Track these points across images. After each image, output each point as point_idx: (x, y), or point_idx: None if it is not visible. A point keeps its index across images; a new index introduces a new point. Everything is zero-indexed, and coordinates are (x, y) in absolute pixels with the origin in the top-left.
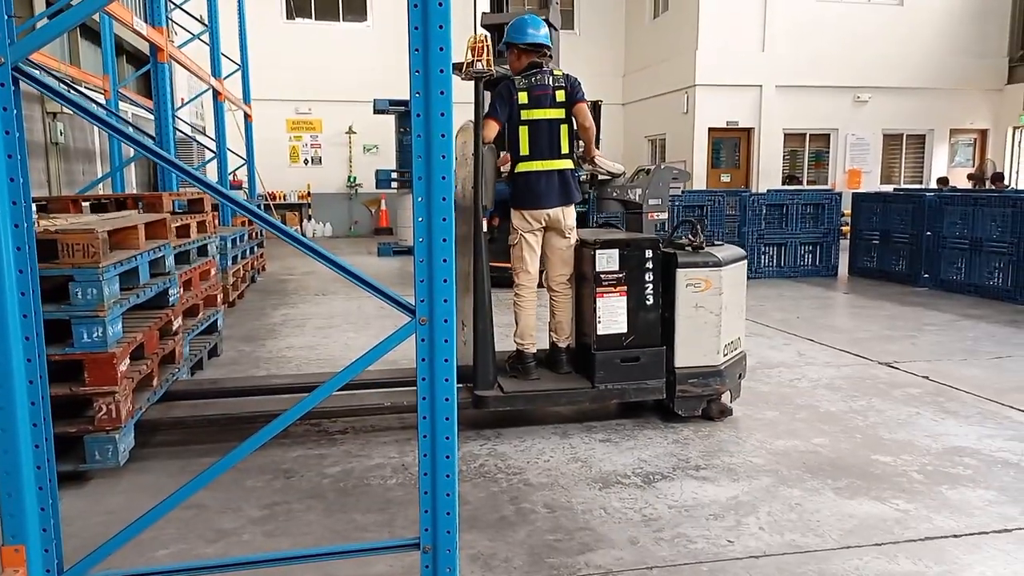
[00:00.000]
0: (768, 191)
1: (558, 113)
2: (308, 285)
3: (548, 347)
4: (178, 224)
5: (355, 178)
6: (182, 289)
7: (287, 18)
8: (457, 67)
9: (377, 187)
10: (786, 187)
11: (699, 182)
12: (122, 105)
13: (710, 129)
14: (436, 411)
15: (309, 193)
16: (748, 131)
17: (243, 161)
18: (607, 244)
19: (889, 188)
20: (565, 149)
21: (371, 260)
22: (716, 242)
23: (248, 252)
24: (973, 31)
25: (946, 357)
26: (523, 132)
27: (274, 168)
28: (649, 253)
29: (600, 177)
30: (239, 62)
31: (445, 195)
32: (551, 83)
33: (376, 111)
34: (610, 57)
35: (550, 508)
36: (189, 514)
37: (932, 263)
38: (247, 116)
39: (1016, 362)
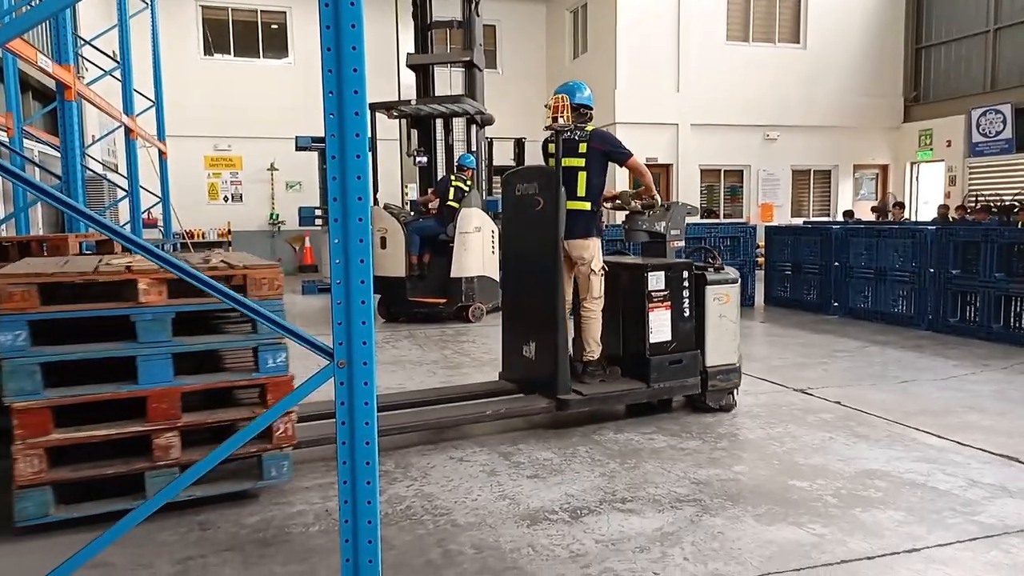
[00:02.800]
0: (688, 225)
1: (579, 162)
2: None
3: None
4: None
5: (278, 215)
6: None
7: (205, 54)
8: (385, 106)
9: (300, 224)
10: (704, 220)
11: (620, 215)
12: (28, 143)
13: None
14: (356, 455)
15: (229, 231)
16: (667, 167)
17: (158, 199)
18: (656, 268)
19: (799, 221)
20: (581, 192)
21: (295, 298)
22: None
23: None
24: (871, 73)
25: (856, 382)
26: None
27: (192, 206)
28: (686, 274)
29: (628, 212)
30: (154, 98)
31: (362, 237)
32: (578, 137)
33: (298, 148)
34: (533, 95)
35: (478, 549)
36: (95, 574)
37: (841, 292)
38: (161, 153)
39: (920, 386)
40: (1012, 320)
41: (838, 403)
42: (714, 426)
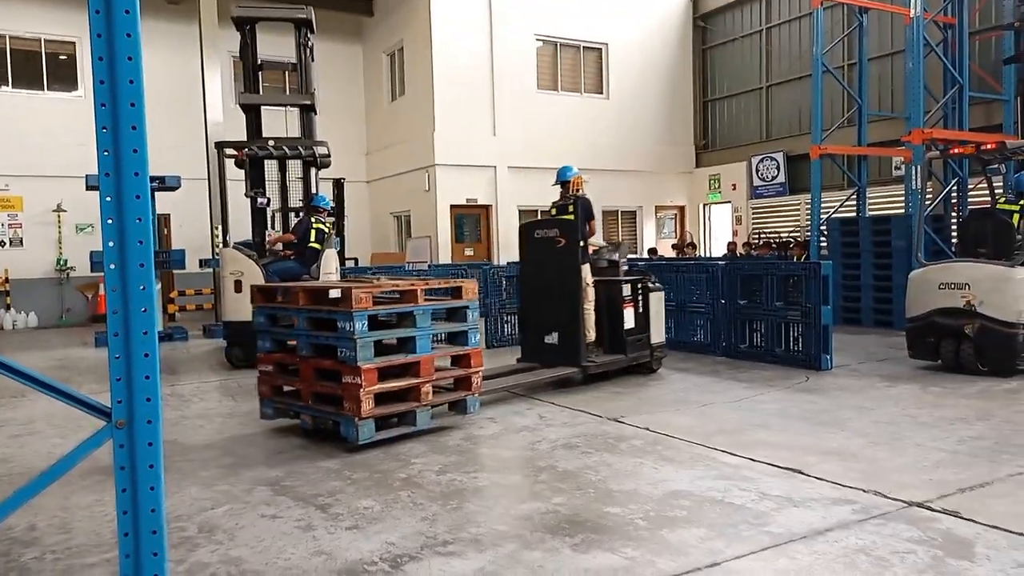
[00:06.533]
0: (508, 264)
1: (571, 216)
2: (1, 385)
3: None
4: None
5: (66, 261)
6: None
7: None
8: (234, 145)
9: (92, 270)
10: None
11: (444, 255)
12: None
13: (452, 206)
14: (140, 524)
15: (7, 279)
16: (487, 208)
17: None
18: (626, 282)
19: None
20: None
21: (86, 352)
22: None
23: None
24: (667, 123)
25: (662, 408)
26: None
27: None
28: (640, 286)
29: (595, 248)
30: None
31: (144, 284)
32: (568, 201)
33: (89, 187)
34: (353, 136)
35: None
36: None
37: None
38: None
39: (717, 408)
40: (791, 344)
41: (647, 429)
42: (534, 459)
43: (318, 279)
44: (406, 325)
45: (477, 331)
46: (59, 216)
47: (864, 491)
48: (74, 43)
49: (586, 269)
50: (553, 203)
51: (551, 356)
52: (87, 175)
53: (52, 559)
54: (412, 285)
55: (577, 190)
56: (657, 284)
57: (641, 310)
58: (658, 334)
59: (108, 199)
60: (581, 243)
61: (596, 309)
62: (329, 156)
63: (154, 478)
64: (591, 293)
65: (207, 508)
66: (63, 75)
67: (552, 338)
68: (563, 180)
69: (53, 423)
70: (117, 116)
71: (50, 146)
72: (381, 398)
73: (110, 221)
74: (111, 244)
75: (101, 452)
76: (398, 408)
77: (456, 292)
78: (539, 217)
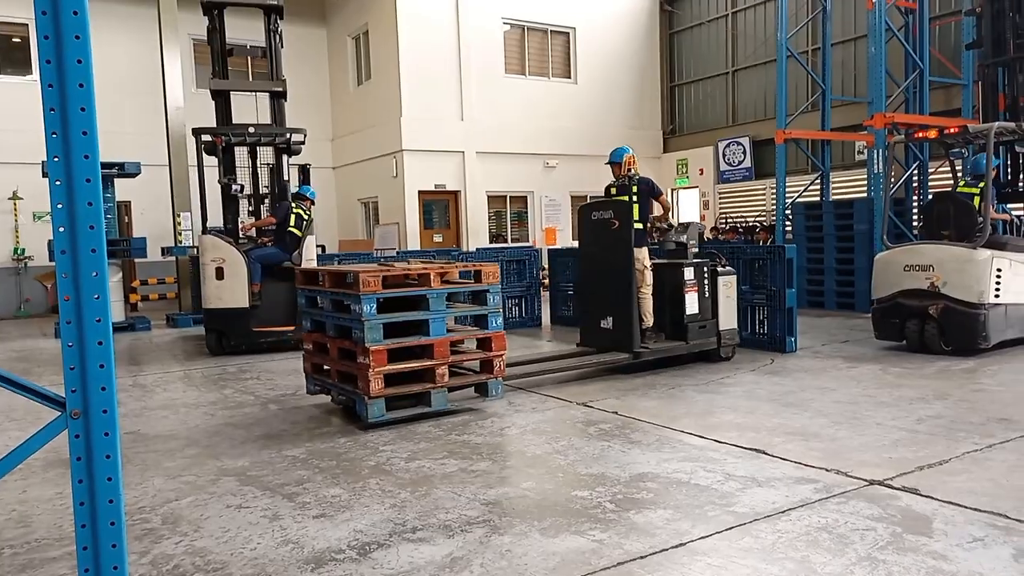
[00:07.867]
0: (477, 249)
1: (624, 199)
2: None
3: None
4: None
5: (23, 250)
6: None
7: None
8: (211, 132)
9: (51, 259)
10: (492, 245)
11: (413, 242)
12: None
13: (420, 192)
14: (98, 516)
15: None
16: (455, 193)
17: None
18: (688, 265)
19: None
20: (636, 216)
21: (46, 344)
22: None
23: None
24: (635, 107)
25: (630, 392)
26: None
27: None
28: (706, 269)
29: (660, 230)
30: None
31: (97, 270)
32: (629, 181)
33: (45, 174)
34: (317, 122)
35: None
36: None
37: None
38: None
39: (683, 391)
40: (756, 327)
41: (615, 413)
42: (503, 445)
43: (300, 265)
44: (421, 308)
45: (498, 314)
46: (15, 204)
47: (826, 470)
48: (26, 25)
49: (643, 252)
50: (609, 183)
51: (606, 340)
52: (43, 161)
53: (11, 554)
54: (426, 269)
55: (629, 170)
56: (728, 267)
57: (707, 295)
58: (728, 320)
59: (57, 183)
60: (641, 224)
61: (656, 293)
62: (303, 142)
63: (111, 468)
64: (649, 277)
65: (171, 499)
66: (16, 58)
67: (607, 322)
68: (614, 161)
69: (13, 417)
70: (65, 97)
71: (4, 132)
72: (398, 379)
73: (60, 206)
74: (61, 229)
75: (63, 445)
76: (412, 389)
77: (476, 276)
78: (507, 201)
